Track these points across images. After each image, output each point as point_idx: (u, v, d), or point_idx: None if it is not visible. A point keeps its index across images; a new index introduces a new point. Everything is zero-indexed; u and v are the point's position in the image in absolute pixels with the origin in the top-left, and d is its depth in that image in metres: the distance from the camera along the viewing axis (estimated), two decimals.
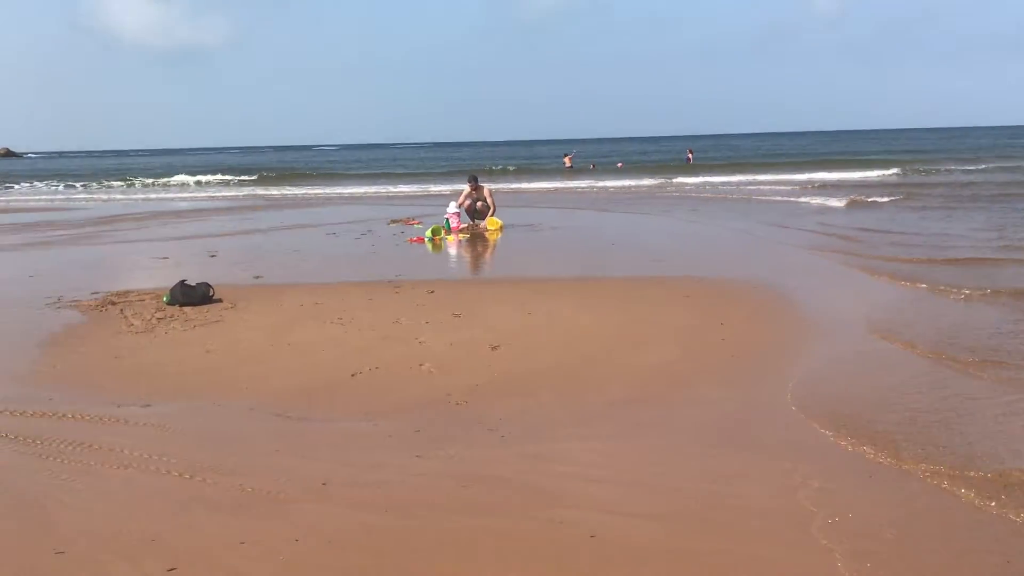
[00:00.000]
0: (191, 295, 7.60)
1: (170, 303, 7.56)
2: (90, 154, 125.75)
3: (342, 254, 11.17)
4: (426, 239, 12.52)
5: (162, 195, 29.13)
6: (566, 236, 13.09)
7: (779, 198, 20.37)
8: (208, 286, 7.78)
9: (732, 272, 9.01)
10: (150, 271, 9.94)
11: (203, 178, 39.26)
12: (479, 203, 14.61)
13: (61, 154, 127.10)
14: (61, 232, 15.05)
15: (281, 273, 9.47)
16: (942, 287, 7.63)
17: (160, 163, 65.89)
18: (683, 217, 16.09)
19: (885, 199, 18.32)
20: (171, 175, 42.59)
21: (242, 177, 39.96)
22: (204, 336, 6.42)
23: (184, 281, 7.71)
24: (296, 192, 28.92)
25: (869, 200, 18.18)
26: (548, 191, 26.68)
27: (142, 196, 28.53)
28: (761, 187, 25.41)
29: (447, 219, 13.98)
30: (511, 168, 42.29)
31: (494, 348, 5.91)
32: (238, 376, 5.42)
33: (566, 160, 39.50)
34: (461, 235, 13.21)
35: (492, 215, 14.37)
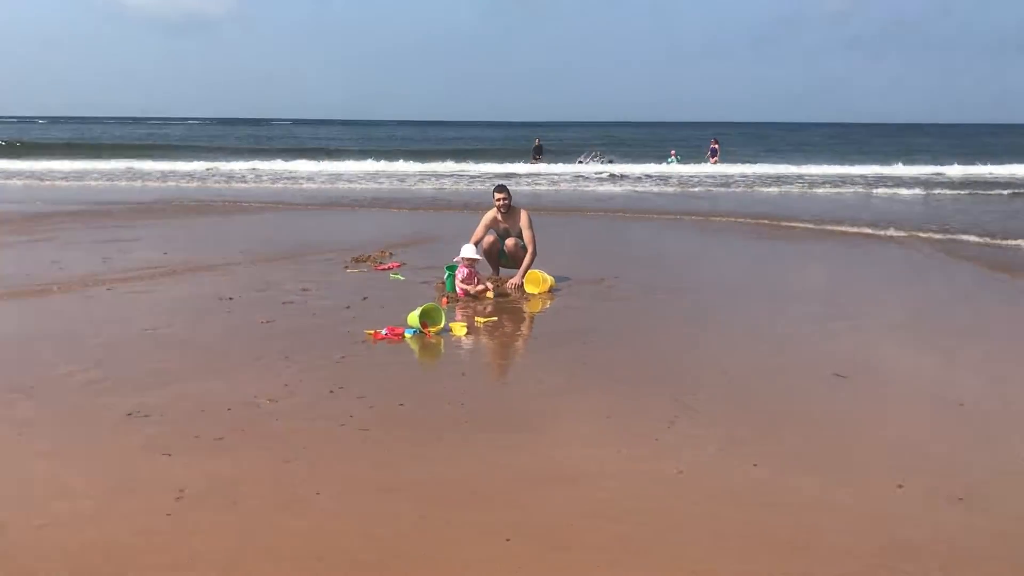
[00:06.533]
0: None
1: None
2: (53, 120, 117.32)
3: (197, 427, 4.35)
4: (407, 335, 5.90)
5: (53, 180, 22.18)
6: (687, 319, 6.56)
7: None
8: None
9: None
10: None
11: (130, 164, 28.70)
12: (509, 239, 8.05)
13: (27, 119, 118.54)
14: None
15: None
16: None
17: (122, 133, 58.45)
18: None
19: None
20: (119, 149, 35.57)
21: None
22: None
23: None
24: (244, 168, 22.17)
25: None
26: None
27: (30, 180, 21.61)
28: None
29: (452, 273, 7.49)
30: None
31: None
32: None
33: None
34: (479, 320, 6.56)
35: (531, 262, 7.84)
